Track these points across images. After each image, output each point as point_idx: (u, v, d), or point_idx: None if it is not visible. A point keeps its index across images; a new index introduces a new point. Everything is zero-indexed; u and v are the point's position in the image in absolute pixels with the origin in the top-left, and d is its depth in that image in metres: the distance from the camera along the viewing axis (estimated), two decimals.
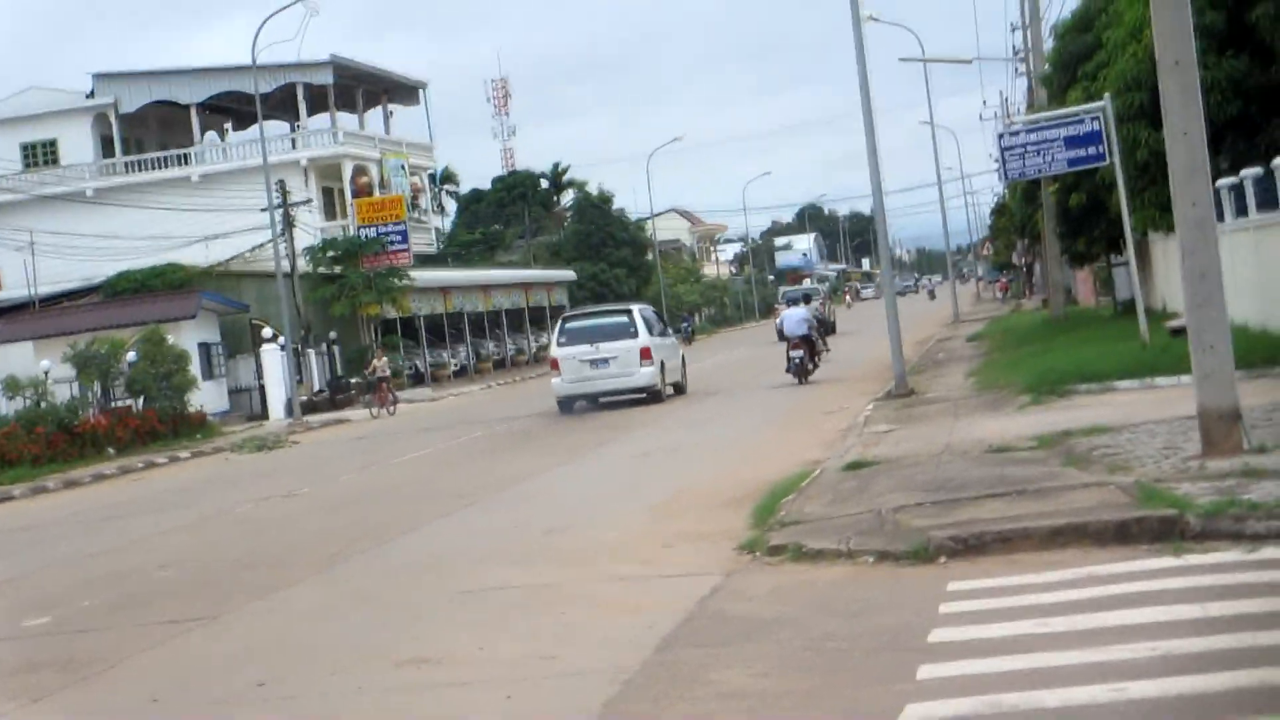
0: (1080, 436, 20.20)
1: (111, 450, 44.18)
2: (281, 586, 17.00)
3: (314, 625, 14.70)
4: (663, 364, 42.83)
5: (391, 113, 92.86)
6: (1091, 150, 32.60)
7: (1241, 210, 29.32)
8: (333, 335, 66.40)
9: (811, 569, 14.29)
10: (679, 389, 44.75)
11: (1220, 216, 27.87)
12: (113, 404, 47.89)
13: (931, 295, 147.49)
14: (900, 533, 14.74)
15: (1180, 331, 25.02)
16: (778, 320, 52.52)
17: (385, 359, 57.16)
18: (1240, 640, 9.85)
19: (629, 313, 43.80)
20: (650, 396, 42.05)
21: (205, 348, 57.78)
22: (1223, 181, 28.71)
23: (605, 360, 41.61)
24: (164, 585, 18.25)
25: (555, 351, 42.80)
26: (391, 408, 54.23)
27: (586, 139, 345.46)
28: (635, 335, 42.05)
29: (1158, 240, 42.72)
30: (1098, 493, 15.28)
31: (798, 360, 42.71)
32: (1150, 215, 33.78)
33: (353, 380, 63.44)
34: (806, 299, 55.32)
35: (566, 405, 42.39)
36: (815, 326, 45.51)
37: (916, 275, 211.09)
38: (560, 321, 45.52)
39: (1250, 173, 27.99)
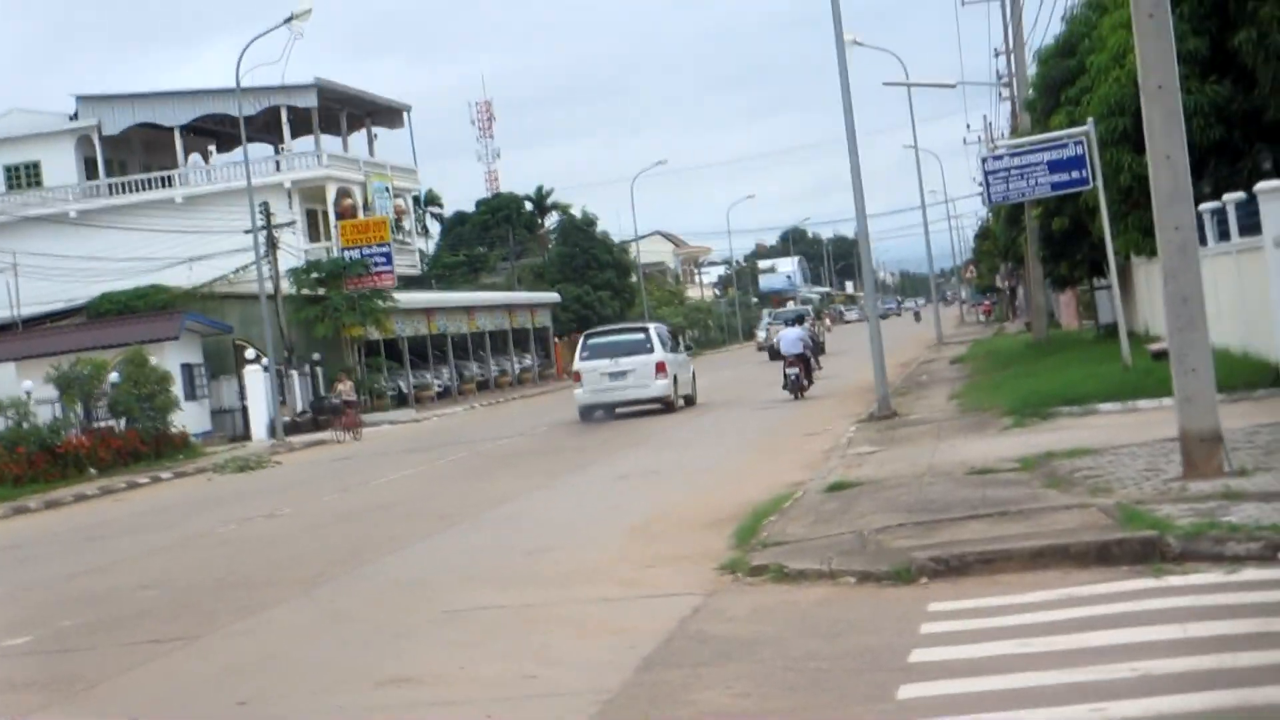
0: (1062, 458, 20.25)
1: (93, 471, 44.12)
2: (264, 607, 16.97)
3: (296, 645, 14.68)
4: (675, 377, 46.60)
5: (375, 135, 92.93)
6: (1075, 174, 32.70)
7: (1224, 235, 29.38)
8: (316, 356, 66.35)
9: (793, 589, 14.30)
10: (690, 401, 48.22)
11: (1203, 241, 27.89)
12: (95, 424, 47.75)
13: (917, 317, 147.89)
14: (882, 553, 14.76)
15: (1162, 355, 25.11)
16: (774, 339, 57.69)
17: (349, 383, 56.65)
18: (1220, 661, 9.88)
19: (646, 330, 48.40)
20: (664, 407, 45.87)
21: (188, 369, 57.66)
22: (1205, 206, 28.79)
23: (623, 373, 45.51)
24: (146, 605, 18.21)
25: (578, 365, 46.80)
26: (357, 432, 53.41)
27: (571, 162, 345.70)
28: (651, 351, 46.09)
29: (1140, 264, 42.85)
30: (1079, 514, 15.32)
31: (794, 377, 45.05)
32: (1133, 239, 33.87)
33: (336, 401, 63.48)
34: (800, 320, 58.52)
35: (587, 414, 46.19)
36: (810, 345, 47.91)
37: (899, 299, 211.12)
38: (583, 338, 49.64)
39: (1233, 198, 28.06)
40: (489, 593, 16.13)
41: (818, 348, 53.65)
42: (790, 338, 46.66)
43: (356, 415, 54.82)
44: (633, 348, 46.26)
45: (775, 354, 53.96)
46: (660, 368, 45.70)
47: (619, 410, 46.05)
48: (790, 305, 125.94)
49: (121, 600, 18.85)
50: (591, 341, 47.90)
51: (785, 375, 45.51)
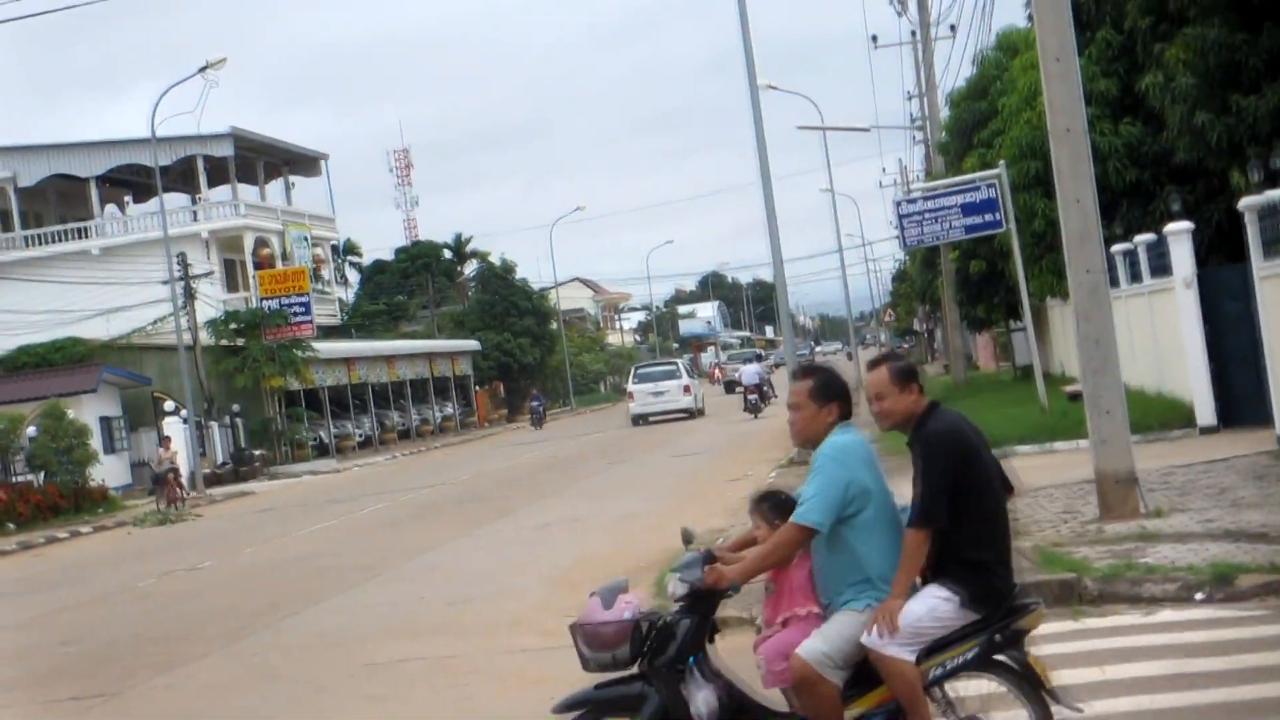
0: None
1: (12, 526, 43.66)
2: (184, 662, 16.88)
3: (216, 701, 14.62)
4: (695, 395, 67.89)
5: (293, 184, 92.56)
6: (989, 217, 32.90)
7: (1135, 276, 29.67)
8: (236, 407, 65.95)
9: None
10: (701, 412, 67.73)
11: (1115, 282, 28.23)
12: (13, 479, 47.35)
13: (849, 356, 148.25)
14: None
15: (1078, 396, 25.28)
16: (735, 373, 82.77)
17: (174, 449, 50.90)
18: (1138, 703, 9.98)
19: (676, 364, 73.49)
20: (689, 415, 66.07)
21: (106, 421, 57.17)
22: (1117, 248, 29.08)
23: (662, 392, 66.62)
24: (66, 662, 18.08)
25: (631, 387, 68.88)
26: (180, 503, 47.27)
27: (490, 209, 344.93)
28: (680, 377, 68.08)
29: (1055, 306, 43.18)
30: None
31: (754, 401, 59.33)
32: (1047, 281, 34.18)
33: (256, 452, 63.08)
34: (758, 358, 78.74)
35: (637, 421, 65.66)
36: (766, 378, 62.43)
37: (811, 343, 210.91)
38: (634, 368, 75.06)
39: (1143, 239, 28.35)
40: (410, 644, 16.11)
41: (768, 383, 64.75)
42: (750, 371, 62.86)
43: (180, 485, 49.03)
44: (668, 375, 68.88)
45: (731, 387, 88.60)
46: (686, 389, 66.91)
47: (652, 419, 65.20)
48: (711, 350, 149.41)
49: (41, 657, 18.73)
50: (640, 371, 71.37)
51: (746, 400, 60.16)
